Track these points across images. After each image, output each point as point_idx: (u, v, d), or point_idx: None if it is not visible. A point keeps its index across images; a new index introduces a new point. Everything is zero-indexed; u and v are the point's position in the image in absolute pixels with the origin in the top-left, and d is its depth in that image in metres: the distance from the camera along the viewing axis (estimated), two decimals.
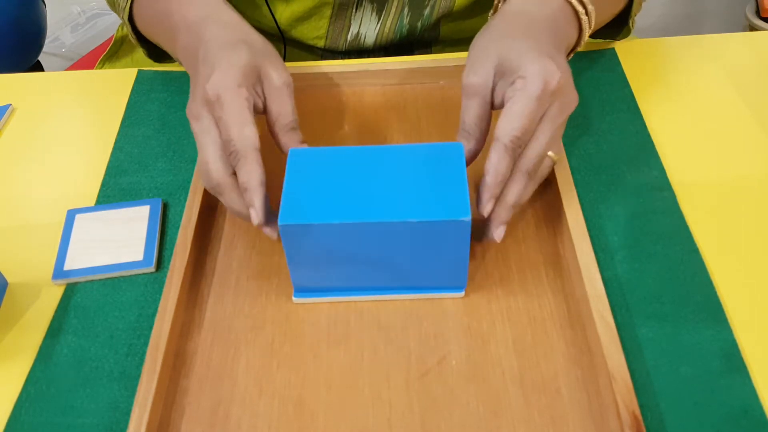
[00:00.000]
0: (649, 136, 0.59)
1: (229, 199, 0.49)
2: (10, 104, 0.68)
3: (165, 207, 0.57)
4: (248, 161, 0.47)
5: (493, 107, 0.50)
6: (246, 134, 0.47)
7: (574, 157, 0.58)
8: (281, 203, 0.45)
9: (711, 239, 0.52)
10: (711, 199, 0.54)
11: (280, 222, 0.44)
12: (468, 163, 0.49)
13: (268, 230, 0.49)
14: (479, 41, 0.52)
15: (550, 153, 0.49)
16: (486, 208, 0.47)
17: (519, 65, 0.47)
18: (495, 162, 0.46)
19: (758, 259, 0.50)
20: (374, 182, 0.46)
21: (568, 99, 0.48)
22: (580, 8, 0.54)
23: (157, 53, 0.69)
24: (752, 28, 1.77)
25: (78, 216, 0.56)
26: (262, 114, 0.52)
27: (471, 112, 0.49)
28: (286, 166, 0.47)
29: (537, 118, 0.47)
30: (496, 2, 0.60)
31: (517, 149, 0.47)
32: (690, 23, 1.98)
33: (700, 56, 0.67)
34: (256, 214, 0.47)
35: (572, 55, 0.58)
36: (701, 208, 0.54)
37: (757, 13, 1.76)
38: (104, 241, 0.54)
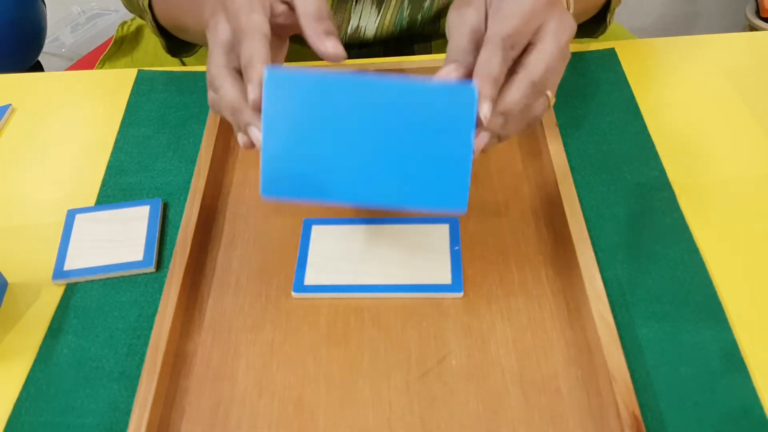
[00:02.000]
0: (649, 136, 0.59)
1: (224, 92, 0.44)
2: (10, 104, 0.68)
3: (165, 207, 0.57)
4: (253, 39, 0.43)
5: None
6: (253, 18, 0.44)
7: (574, 157, 0.58)
8: (264, 74, 0.41)
9: (711, 239, 0.52)
10: (711, 199, 0.54)
11: (266, 73, 0.40)
12: None
13: (255, 131, 0.44)
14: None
15: (548, 93, 0.45)
16: (484, 108, 0.42)
17: None
18: (485, 58, 0.42)
19: (758, 259, 0.50)
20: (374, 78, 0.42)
21: (567, 19, 0.44)
22: None
23: (176, 46, 0.69)
24: (752, 28, 1.77)
25: (78, 216, 0.56)
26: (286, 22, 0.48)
27: (461, 36, 0.45)
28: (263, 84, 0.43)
29: (532, 24, 0.43)
30: None
31: (510, 51, 0.42)
32: (690, 23, 1.98)
33: (700, 56, 0.67)
34: (253, 90, 0.42)
35: None
36: (701, 208, 0.54)
37: (757, 13, 1.76)
38: (104, 241, 0.54)
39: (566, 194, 0.52)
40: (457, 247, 0.52)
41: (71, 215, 0.56)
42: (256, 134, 0.43)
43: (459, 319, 0.48)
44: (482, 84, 0.42)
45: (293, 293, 0.50)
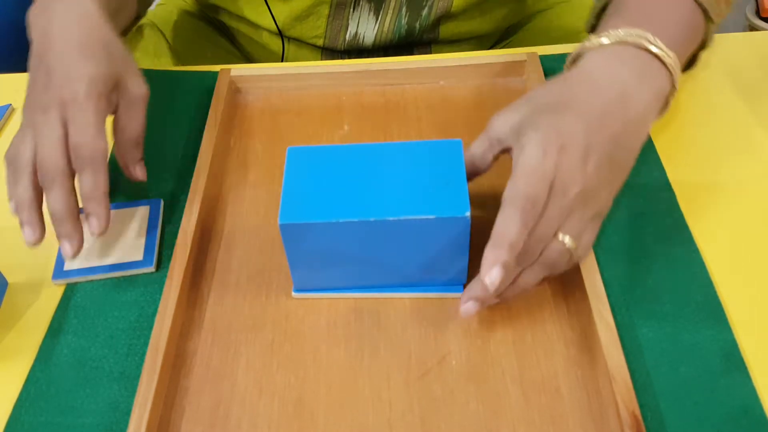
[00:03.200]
0: (648, 136, 0.59)
1: (58, 193, 0.47)
2: (10, 104, 0.68)
3: (165, 207, 0.57)
4: (98, 170, 0.47)
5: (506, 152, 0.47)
6: (99, 145, 0.47)
7: None
8: (281, 202, 0.45)
9: (711, 239, 0.52)
10: (711, 199, 0.54)
11: (280, 221, 0.44)
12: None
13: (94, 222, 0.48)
14: (530, 93, 0.48)
15: (564, 238, 0.43)
16: (468, 305, 0.45)
17: (527, 130, 0.44)
18: (499, 222, 0.42)
19: (758, 259, 0.50)
20: (373, 179, 0.46)
21: (573, 180, 0.42)
22: (661, 53, 0.47)
23: None
24: (752, 28, 1.77)
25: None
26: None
27: (479, 145, 0.48)
28: (285, 165, 0.47)
29: (543, 187, 0.42)
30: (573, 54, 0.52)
31: (531, 217, 0.42)
32: None
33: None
34: (102, 224, 0.48)
35: (667, 108, 0.50)
36: (701, 208, 0.54)
37: (757, 13, 1.76)
38: (104, 241, 0.54)
39: None
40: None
41: None
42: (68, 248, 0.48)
43: (459, 319, 0.48)
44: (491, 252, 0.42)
45: (294, 293, 0.50)
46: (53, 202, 0.47)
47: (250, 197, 0.57)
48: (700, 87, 0.64)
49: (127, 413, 0.44)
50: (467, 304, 0.45)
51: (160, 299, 0.48)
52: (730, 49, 0.68)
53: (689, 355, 0.45)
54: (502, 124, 0.47)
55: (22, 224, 0.48)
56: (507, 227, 0.41)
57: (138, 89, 0.52)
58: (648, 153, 0.58)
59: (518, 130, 0.45)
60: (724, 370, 0.44)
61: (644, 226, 0.53)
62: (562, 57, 0.67)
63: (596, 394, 0.44)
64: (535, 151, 0.42)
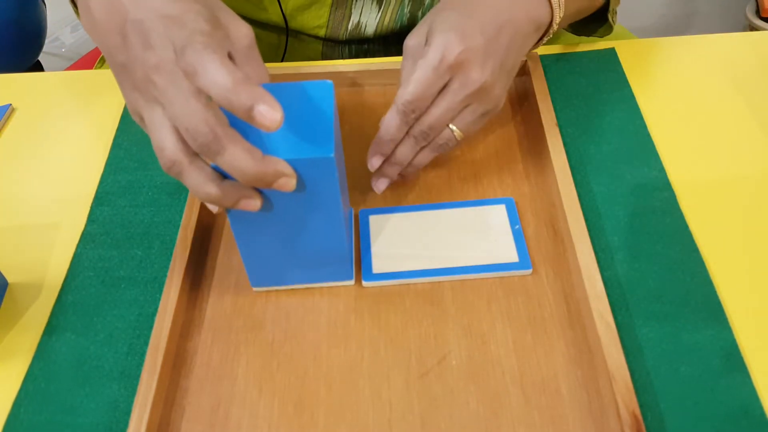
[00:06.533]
0: (649, 135, 0.59)
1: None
2: (10, 104, 0.68)
3: (165, 207, 0.57)
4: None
5: None
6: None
7: (574, 157, 0.58)
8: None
9: (711, 239, 0.52)
10: (711, 199, 0.54)
11: (360, 215, 0.48)
12: None
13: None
14: (432, 10, 0.54)
15: (452, 126, 0.51)
16: (371, 162, 0.53)
17: (432, 34, 0.49)
18: (386, 121, 0.50)
19: (758, 259, 0.50)
20: None
21: (471, 78, 0.48)
22: None
23: None
24: (752, 28, 1.77)
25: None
26: None
27: (405, 70, 0.52)
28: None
29: (434, 88, 0.48)
30: None
31: (410, 114, 0.49)
32: (690, 23, 1.98)
33: (700, 56, 0.67)
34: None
35: (547, 36, 0.57)
36: (701, 208, 0.54)
37: (757, 13, 1.76)
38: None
39: (566, 194, 0.52)
40: (517, 226, 0.52)
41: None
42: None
43: (459, 319, 0.48)
44: (378, 142, 0.52)
45: (364, 283, 0.50)
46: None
47: None
48: (701, 87, 0.64)
49: (127, 413, 0.44)
50: (375, 180, 0.54)
51: (160, 299, 0.48)
52: (730, 49, 0.68)
53: (689, 355, 0.45)
54: (414, 38, 0.52)
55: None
56: (388, 127, 0.50)
57: (246, 36, 0.43)
58: (648, 153, 0.58)
59: (428, 34, 0.50)
60: (724, 370, 0.44)
61: (644, 226, 0.53)
62: (562, 57, 0.67)
63: (596, 394, 0.44)
64: (434, 54, 0.48)
